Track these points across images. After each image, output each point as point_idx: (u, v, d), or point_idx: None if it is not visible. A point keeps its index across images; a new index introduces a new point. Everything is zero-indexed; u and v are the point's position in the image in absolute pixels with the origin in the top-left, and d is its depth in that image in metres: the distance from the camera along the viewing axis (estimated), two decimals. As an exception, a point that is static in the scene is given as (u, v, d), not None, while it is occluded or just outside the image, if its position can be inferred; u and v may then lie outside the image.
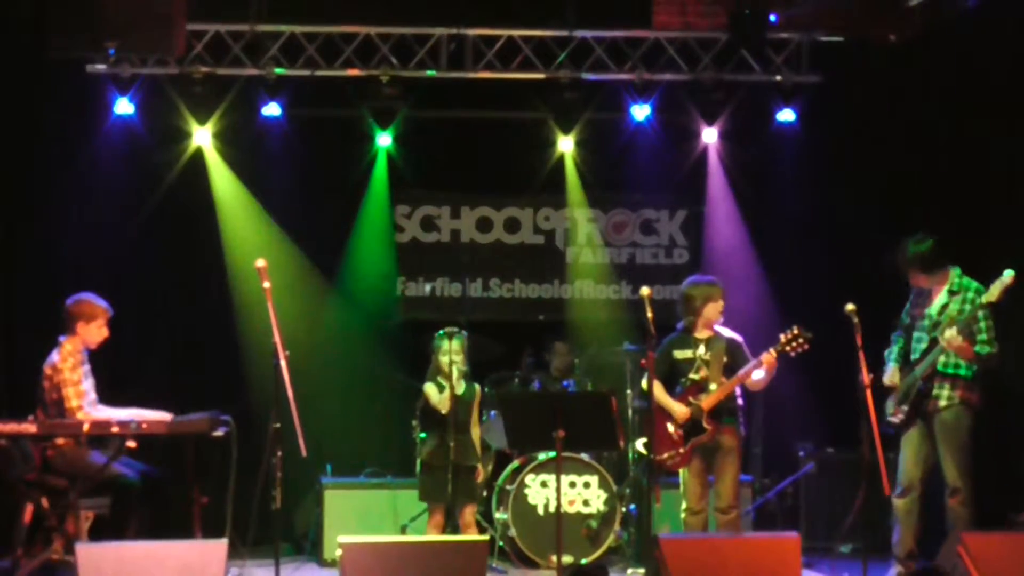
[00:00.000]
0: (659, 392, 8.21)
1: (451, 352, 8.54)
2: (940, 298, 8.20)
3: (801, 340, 8.02)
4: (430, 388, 8.70)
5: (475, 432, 8.78)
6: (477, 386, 8.88)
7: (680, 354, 8.30)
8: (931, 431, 8.15)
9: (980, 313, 8.04)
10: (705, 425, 8.14)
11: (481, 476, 8.90)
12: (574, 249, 11.12)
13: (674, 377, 8.31)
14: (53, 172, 10.10)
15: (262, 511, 8.20)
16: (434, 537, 8.40)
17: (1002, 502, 8.87)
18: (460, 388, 8.64)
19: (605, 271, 11.11)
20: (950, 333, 7.92)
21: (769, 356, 8.05)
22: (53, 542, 7.92)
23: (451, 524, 8.57)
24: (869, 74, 10.52)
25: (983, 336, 8.02)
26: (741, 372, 8.13)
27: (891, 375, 8.24)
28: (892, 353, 8.33)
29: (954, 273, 8.23)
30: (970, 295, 8.11)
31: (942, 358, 8.08)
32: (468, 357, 8.77)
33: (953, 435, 8.08)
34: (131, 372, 9.63)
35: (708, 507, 8.29)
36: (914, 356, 8.27)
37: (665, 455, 8.22)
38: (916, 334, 8.29)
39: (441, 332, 8.72)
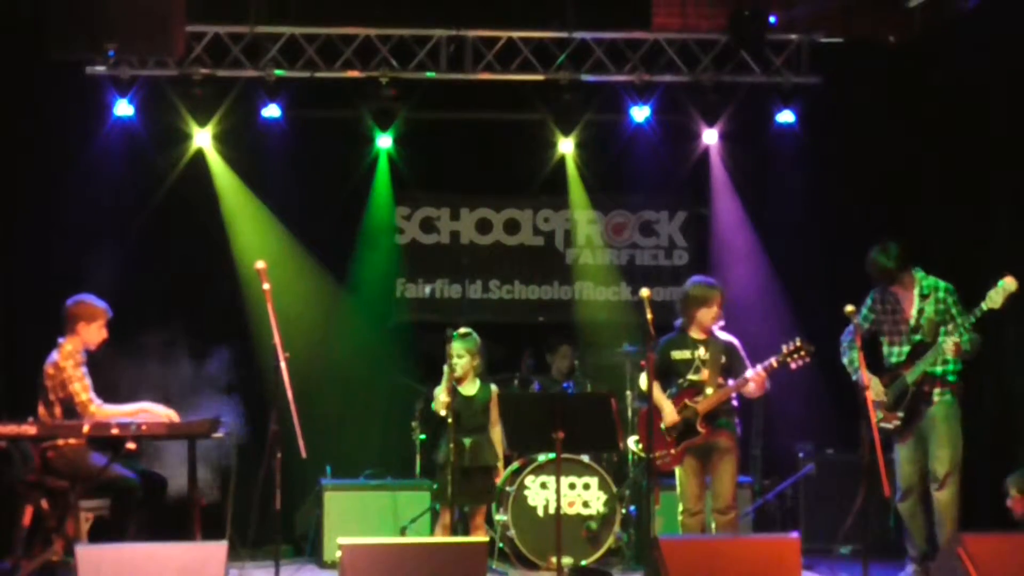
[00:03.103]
0: (655, 392, 8.21)
1: (454, 354, 8.48)
2: (914, 303, 8.25)
3: (803, 353, 8.02)
4: (438, 388, 8.62)
5: (495, 433, 8.64)
6: (493, 387, 8.73)
7: (678, 355, 8.29)
8: (924, 429, 8.17)
9: (954, 310, 8.14)
10: (699, 428, 8.15)
11: (500, 477, 8.84)
12: (574, 250, 11.12)
13: (669, 377, 8.31)
14: (53, 173, 10.10)
15: (262, 512, 8.22)
16: (434, 539, 8.39)
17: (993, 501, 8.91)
18: (473, 389, 8.57)
19: (605, 272, 11.11)
20: (948, 342, 7.99)
21: (760, 374, 8.03)
22: (53, 543, 7.92)
23: (462, 525, 8.55)
24: (869, 75, 10.53)
25: (963, 327, 8.03)
26: (737, 381, 8.12)
27: (874, 387, 8.15)
28: (855, 362, 8.13)
29: (918, 276, 8.27)
30: (940, 295, 8.23)
31: (930, 366, 8.11)
32: (483, 358, 8.71)
33: (946, 427, 8.14)
34: (132, 374, 9.63)
35: (706, 508, 8.28)
36: (895, 360, 8.29)
37: (656, 454, 8.22)
38: (891, 338, 8.35)
39: (454, 334, 8.63)
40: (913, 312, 8.25)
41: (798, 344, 8.04)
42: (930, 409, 8.17)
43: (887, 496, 7.93)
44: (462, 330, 8.56)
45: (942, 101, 10.04)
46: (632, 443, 8.68)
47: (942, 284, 8.25)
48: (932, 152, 10.23)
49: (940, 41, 10.07)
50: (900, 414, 8.20)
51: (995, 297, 7.86)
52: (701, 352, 8.23)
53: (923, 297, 8.23)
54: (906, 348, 8.25)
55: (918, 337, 8.20)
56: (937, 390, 8.16)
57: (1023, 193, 9.34)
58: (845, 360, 8.35)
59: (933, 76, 10.13)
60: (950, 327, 8.04)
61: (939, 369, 8.17)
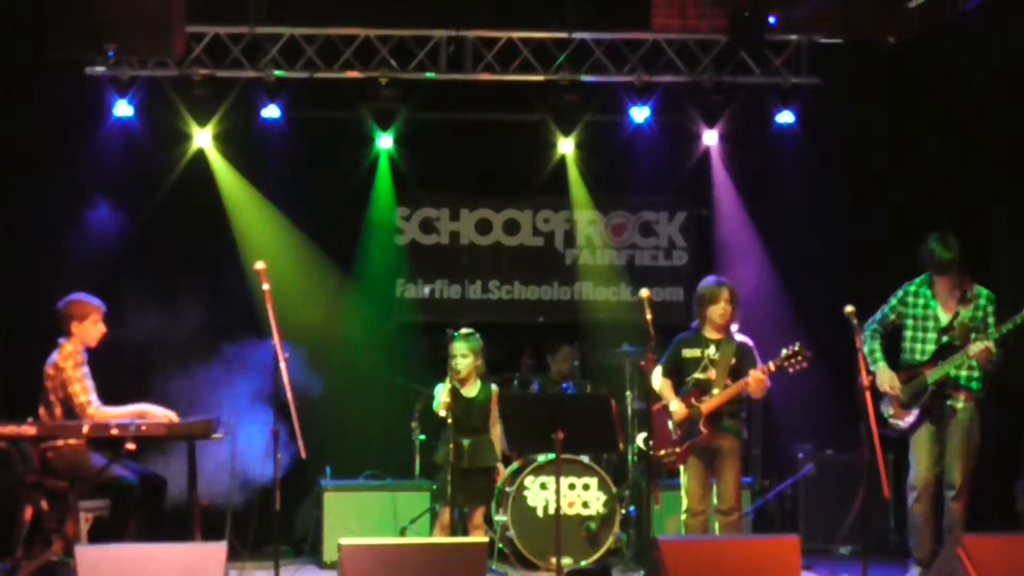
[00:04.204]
0: (666, 388, 8.25)
1: (457, 354, 8.48)
2: (953, 305, 8.16)
3: (800, 358, 8.03)
4: (439, 388, 8.55)
5: (494, 432, 8.66)
6: (493, 387, 8.75)
7: (688, 352, 8.30)
8: (942, 432, 8.13)
9: (991, 319, 8.08)
10: (701, 428, 8.15)
11: (501, 476, 8.83)
12: (574, 251, 11.12)
13: (681, 375, 8.32)
14: (53, 173, 10.10)
15: (261, 513, 8.21)
16: (433, 539, 8.39)
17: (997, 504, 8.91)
18: (474, 390, 8.58)
19: (604, 273, 11.12)
20: (979, 346, 7.93)
21: (759, 377, 8.03)
22: (53, 544, 7.92)
23: (460, 525, 8.55)
24: (868, 76, 10.53)
25: (993, 337, 7.99)
26: (737, 383, 8.11)
27: (889, 380, 8.18)
28: (876, 353, 8.25)
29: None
30: (982, 302, 8.14)
31: (954, 370, 8.06)
32: (484, 358, 8.71)
33: (968, 436, 8.08)
34: (135, 375, 9.64)
35: (709, 508, 8.28)
36: (916, 357, 8.21)
37: (662, 452, 8.24)
38: (915, 334, 8.26)
39: (456, 334, 8.62)
40: (949, 314, 8.17)
41: (796, 349, 8.04)
42: (954, 417, 8.09)
43: (887, 497, 7.92)
44: (464, 330, 8.55)
45: (942, 101, 10.04)
46: (640, 440, 8.68)
47: (984, 291, 8.17)
48: (932, 152, 10.23)
49: (940, 41, 10.07)
50: (915, 411, 8.16)
51: None
52: (711, 351, 8.23)
53: (964, 301, 8.17)
54: (930, 347, 8.18)
55: (947, 339, 8.15)
56: (962, 398, 8.09)
57: (1022, 193, 9.34)
58: (866, 350, 8.30)
59: (933, 76, 10.13)
60: (981, 335, 7.99)
61: (964, 375, 8.10)
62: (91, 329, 8.26)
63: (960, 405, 8.10)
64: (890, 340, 8.41)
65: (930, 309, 8.23)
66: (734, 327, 8.30)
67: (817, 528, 9.79)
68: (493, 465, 8.66)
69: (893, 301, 8.37)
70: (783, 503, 10.11)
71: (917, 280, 8.34)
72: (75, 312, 8.24)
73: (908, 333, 8.32)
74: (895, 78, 10.48)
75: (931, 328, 8.22)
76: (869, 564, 7.59)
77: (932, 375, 8.11)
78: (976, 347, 7.96)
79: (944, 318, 8.19)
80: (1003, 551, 7.01)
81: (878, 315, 8.34)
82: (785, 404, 10.10)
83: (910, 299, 8.32)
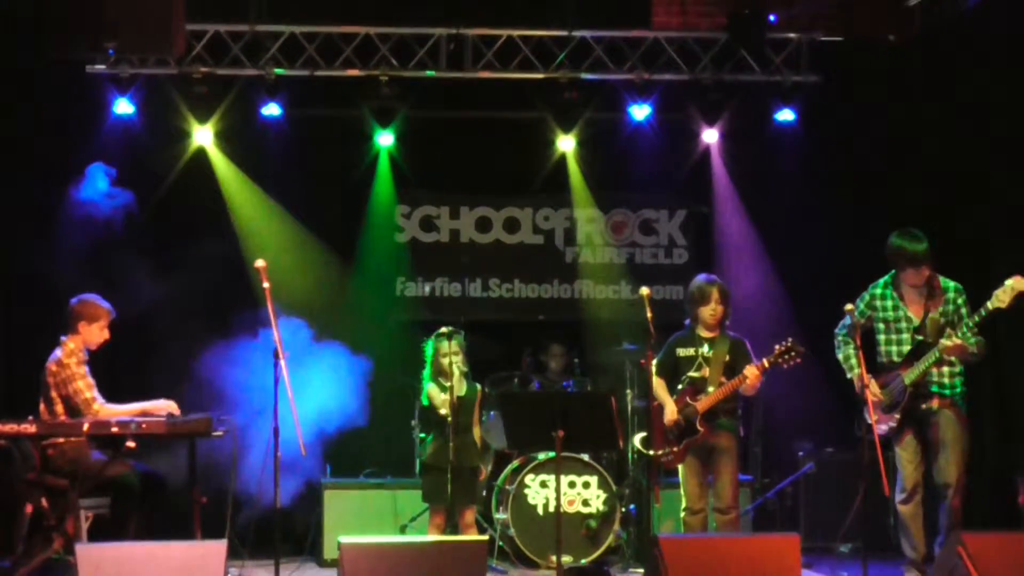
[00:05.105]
0: (660, 389, 8.27)
1: (451, 352, 8.50)
2: (922, 302, 8.03)
3: (793, 354, 8.01)
4: (432, 389, 8.63)
5: (476, 432, 8.72)
6: (478, 386, 8.80)
7: (683, 351, 8.31)
8: (926, 433, 8.05)
9: (964, 310, 7.97)
10: (698, 427, 8.15)
11: (484, 476, 8.87)
12: (574, 249, 11.13)
13: (676, 374, 8.33)
14: (53, 172, 10.10)
15: (261, 511, 8.21)
16: (434, 537, 8.39)
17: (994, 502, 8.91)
18: (462, 389, 8.62)
19: (605, 271, 11.12)
20: (949, 342, 7.81)
21: (754, 372, 8.03)
22: (53, 542, 7.94)
23: (451, 525, 8.56)
24: (868, 74, 10.53)
25: (966, 327, 7.85)
26: (732, 380, 8.11)
27: (872, 388, 8.05)
28: (852, 358, 8.06)
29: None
30: (950, 295, 8.00)
31: (935, 369, 7.97)
32: (467, 357, 8.74)
33: (956, 435, 7.97)
34: (135, 374, 9.64)
35: (708, 507, 8.29)
36: (894, 359, 8.07)
37: (660, 452, 8.25)
38: (888, 336, 8.10)
39: (439, 332, 8.66)
40: (919, 312, 8.04)
41: (789, 344, 8.04)
42: (938, 420, 7.95)
43: (887, 495, 7.90)
44: (446, 328, 8.57)
45: (942, 100, 10.04)
46: (638, 440, 8.70)
47: (952, 284, 8.04)
48: (932, 152, 10.23)
49: (940, 40, 10.07)
50: (896, 415, 8.07)
51: (1002, 296, 7.65)
52: (705, 349, 8.25)
53: (933, 297, 8.07)
54: (906, 348, 8.05)
55: (921, 338, 8.04)
56: (946, 405, 7.94)
57: (1022, 193, 9.34)
58: (840, 356, 8.23)
59: (933, 76, 10.13)
60: (956, 329, 7.88)
61: (946, 372, 7.97)
62: (97, 333, 8.28)
63: (946, 408, 7.98)
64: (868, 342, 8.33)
65: (900, 310, 8.07)
66: (726, 322, 8.31)
67: (817, 526, 9.81)
68: (478, 464, 8.69)
69: (860, 306, 8.17)
70: (783, 501, 10.11)
71: (880, 282, 8.17)
72: (86, 312, 8.25)
73: (881, 336, 8.16)
74: (895, 77, 10.48)
75: (904, 329, 8.07)
76: (869, 561, 7.60)
77: (908, 376, 7.95)
78: (947, 343, 7.80)
79: (916, 317, 8.03)
80: (1003, 549, 7.01)
81: (847, 320, 8.13)
82: (785, 402, 10.10)
83: (877, 303, 8.15)
